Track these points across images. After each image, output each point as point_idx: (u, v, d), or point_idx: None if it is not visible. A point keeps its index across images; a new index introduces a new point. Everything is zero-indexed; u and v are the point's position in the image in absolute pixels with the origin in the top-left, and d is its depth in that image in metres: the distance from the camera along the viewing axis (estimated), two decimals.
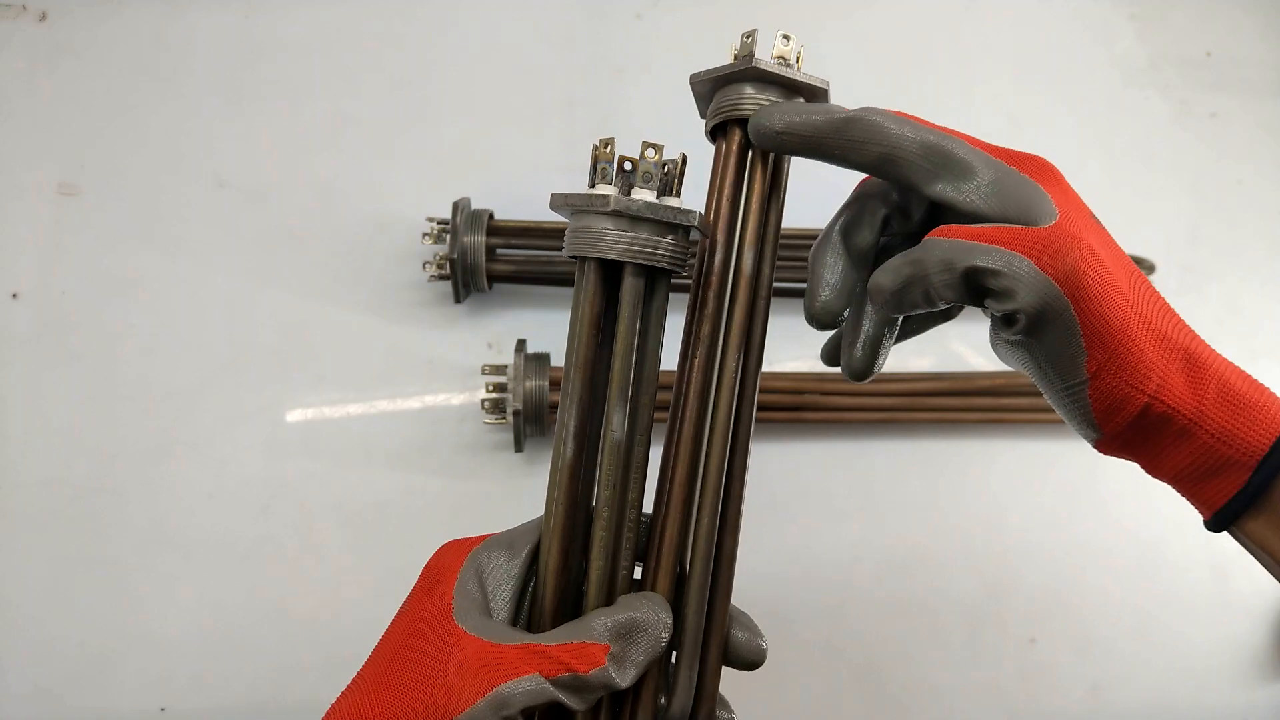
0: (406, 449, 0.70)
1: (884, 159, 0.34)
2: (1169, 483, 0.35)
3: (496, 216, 0.70)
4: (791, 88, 0.37)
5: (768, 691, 0.68)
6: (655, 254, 0.33)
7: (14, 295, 0.69)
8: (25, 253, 0.70)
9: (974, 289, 0.32)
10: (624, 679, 0.32)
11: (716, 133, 0.39)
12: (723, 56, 0.41)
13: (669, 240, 0.34)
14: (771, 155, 0.38)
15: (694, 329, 0.36)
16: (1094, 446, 0.35)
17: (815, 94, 0.38)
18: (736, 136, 0.37)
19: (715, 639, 0.36)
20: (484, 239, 0.67)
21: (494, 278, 0.70)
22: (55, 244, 0.70)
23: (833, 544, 0.72)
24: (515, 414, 0.65)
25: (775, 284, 0.78)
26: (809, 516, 0.73)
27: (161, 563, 0.67)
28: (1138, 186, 0.83)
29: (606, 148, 0.35)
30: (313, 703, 0.68)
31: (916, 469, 0.74)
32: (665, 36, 0.80)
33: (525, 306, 0.73)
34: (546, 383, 0.66)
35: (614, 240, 0.33)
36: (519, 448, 0.67)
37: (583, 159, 0.83)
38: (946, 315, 0.40)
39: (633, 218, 0.33)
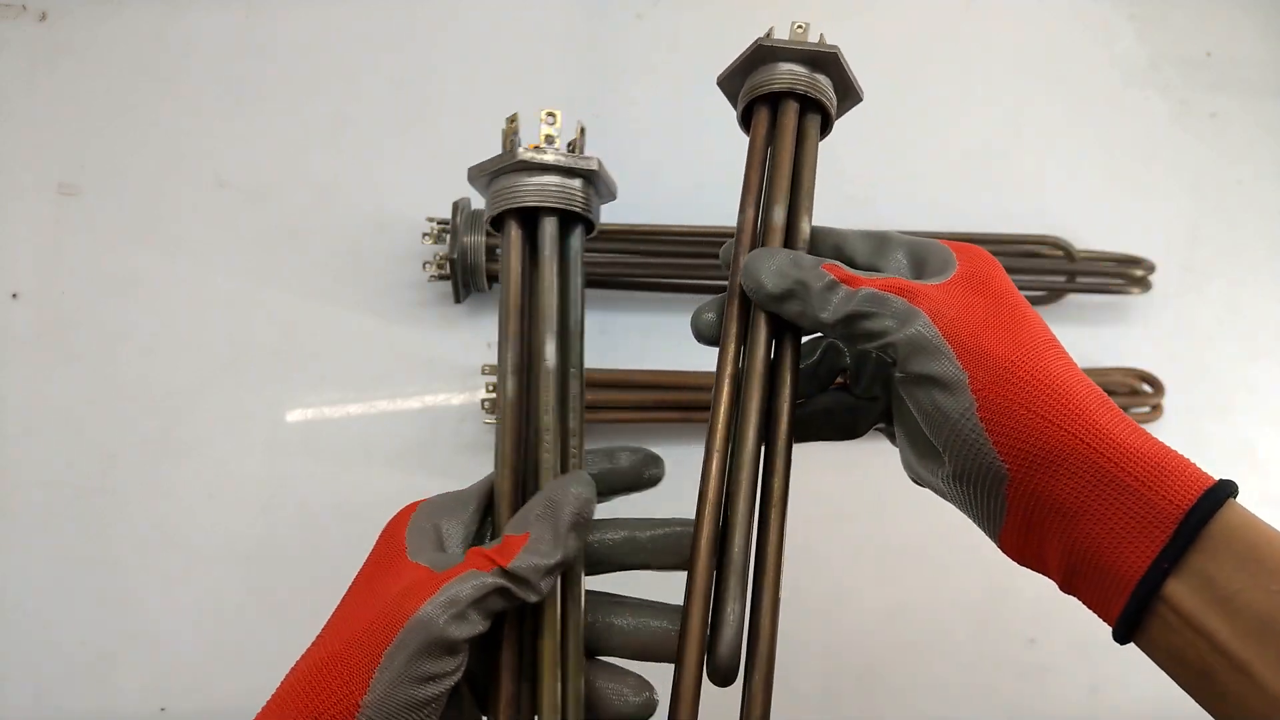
0: (406, 449, 0.70)
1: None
2: (1078, 563, 0.32)
3: None
4: (811, 60, 0.40)
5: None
6: (564, 196, 0.38)
7: (14, 295, 0.69)
8: (25, 253, 0.70)
9: (854, 334, 0.34)
10: (549, 557, 0.33)
11: (746, 116, 0.42)
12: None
13: (576, 184, 0.38)
14: (794, 129, 0.40)
15: (730, 285, 0.39)
16: (1004, 518, 0.33)
17: (826, 60, 0.40)
18: (763, 113, 0.40)
19: (769, 577, 0.36)
20: (484, 239, 0.67)
21: (494, 278, 0.70)
22: (55, 244, 0.70)
23: (833, 544, 0.72)
24: None
25: None
26: (809, 516, 0.73)
27: (161, 563, 0.67)
28: (1138, 186, 0.83)
29: (512, 123, 0.39)
30: None
31: None
32: (666, 37, 0.80)
33: None
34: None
35: (526, 190, 0.37)
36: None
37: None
38: (849, 432, 0.44)
39: (540, 166, 0.38)
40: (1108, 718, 0.73)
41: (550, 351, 0.37)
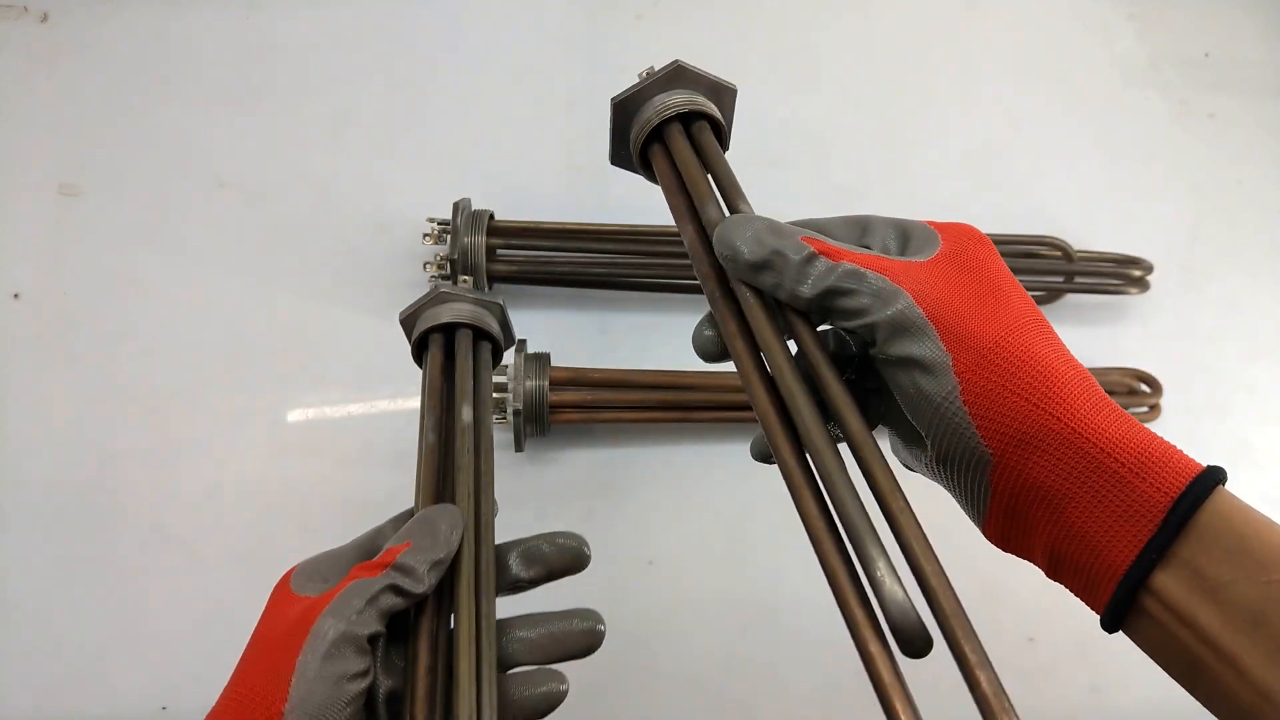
0: (407, 449, 0.70)
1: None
2: (1064, 551, 0.31)
3: (497, 217, 0.70)
4: (664, 84, 0.41)
5: (767, 691, 0.68)
6: (475, 317, 0.46)
7: (15, 295, 0.70)
8: (26, 253, 0.70)
9: (832, 309, 0.33)
10: (431, 552, 0.35)
11: (644, 159, 0.42)
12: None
13: (486, 313, 0.46)
14: (687, 141, 0.40)
15: (708, 295, 0.38)
16: (988, 504, 0.32)
17: (674, 77, 0.41)
18: (656, 150, 0.41)
19: (910, 534, 0.31)
20: (484, 239, 0.67)
21: (494, 278, 0.70)
22: (56, 244, 0.70)
23: None
24: (515, 413, 0.65)
25: None
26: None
27: (161, 563, 0.67)
28: (1137, 186, 0.83)
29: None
30: None
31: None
32: (666, 37, 0.80)
33: (525, 307, 0.73)
34: (546, 382, 0.66)
35: (447, 313, 0.45)
36: (519, 447, 0.67)
37: (583, 159, 0.84)
38: None
39: (458, 299, 0.46)
40: (1108, 717, 0.73)
41: (467, 414, 0.42)
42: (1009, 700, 0.28)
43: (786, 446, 0.33)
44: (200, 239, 0.72)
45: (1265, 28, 0.88)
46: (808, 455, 0.33)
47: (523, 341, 0.68)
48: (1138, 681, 0.73)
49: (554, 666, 0.38)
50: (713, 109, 0.41)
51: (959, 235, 0.35)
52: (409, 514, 0.40)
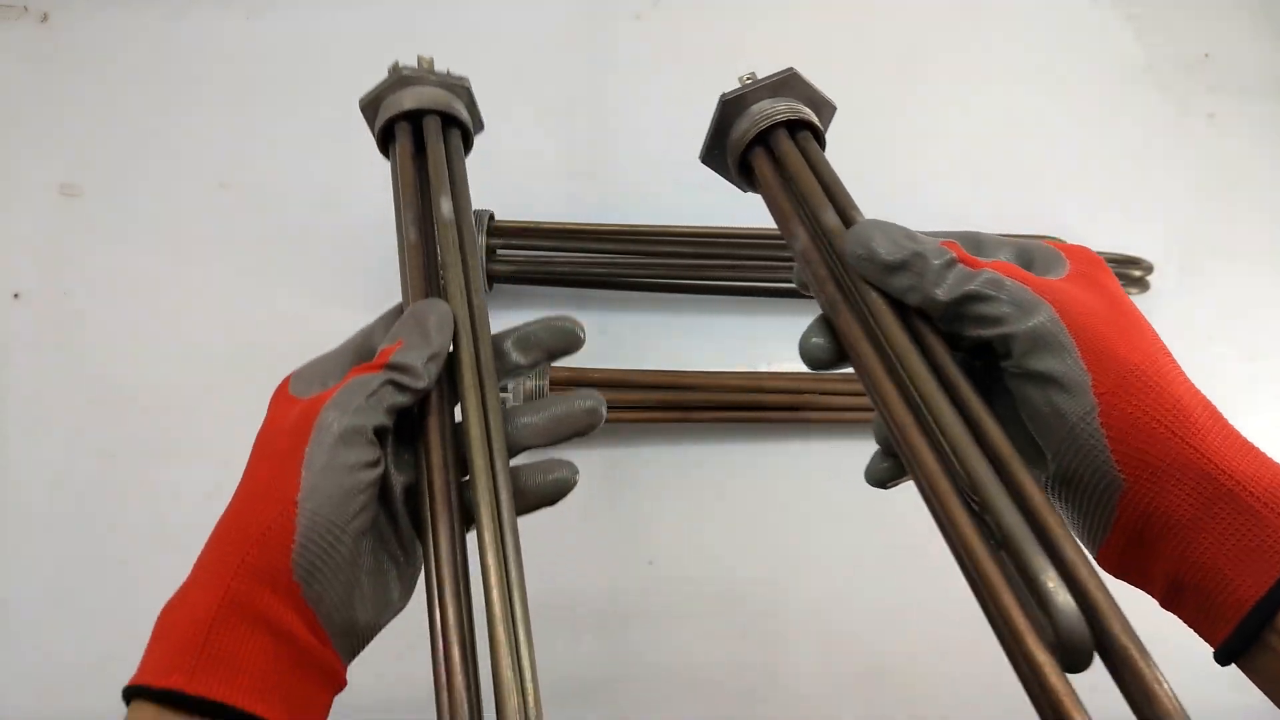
0: None
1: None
2: (1186, 582, 0.30)
3: (497, 217, 0.70)
4: (773, 91, 0.41)
5: (767, 691, 0.68)
6: (443, 102, 0.43)
7: (15, 295, 0.70)
8: (27, 253, 0.70)
9: (967, 315, 0.33)
10: (424, 348, 0.35)
11: (745, 169, 0.43)
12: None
13: (452, 97, 0.44)
14: (794, 149, 0.40)
15: (824, 302, 0.37)
16: (1110, 529, 0.31)
17: (787, 85, 0.42)
18: (761, 156, 0.41)
19: (1065, 543, 0.30)
20: (484, 239, 0.67)
21: (494, 278, 0.70)
22: (57, 245, 0.70)
23: (832, 544, 0.72)
24: None
25: (771, 284, 0.78)
26: (808, 516, 0.73)
27: (162, 563, 0.66)
28: (1136, 187, 0.83)
29: (396, 65, 0.44)
30: None
31: None
32: (665, 37, 0.80)
33: (525, 306, 0.73)
34: (546, 382, 0.66)
35: (411, 98, 0.43)
36: None
37: (583, 159, 0.84)
38: None
39: (421, 81, 0.44)
40: (1107, 717, 0.73)
41: (446, 207, 0.41)
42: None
43: (929, 455, 0.32)
44: (201, 240, 0.72)
45: (1265, 29, 0.88)
46: (954, 462, 0.32)
47: None
48: None
49: (563, 456, 0.38)
50: (816, 120, 0.41)
51: (1084, 257, 0.35)
52: (399, 311, 0.39)
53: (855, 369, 0.36)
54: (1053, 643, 0.29)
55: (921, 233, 0.35)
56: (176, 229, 0.72)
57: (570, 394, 0.38)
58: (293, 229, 0.73)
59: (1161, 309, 0.80)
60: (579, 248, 0.71)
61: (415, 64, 0.44)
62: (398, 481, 0.35)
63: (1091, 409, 0.30)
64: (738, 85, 0.41)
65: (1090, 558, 0.30)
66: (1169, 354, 0.32)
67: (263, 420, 0.37)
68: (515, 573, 0.33)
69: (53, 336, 0.69)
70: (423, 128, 0.43)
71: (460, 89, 0.44)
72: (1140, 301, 0.80)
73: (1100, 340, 0.31)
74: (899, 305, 0.34)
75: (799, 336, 0.38)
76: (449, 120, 0.44)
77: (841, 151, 0.80)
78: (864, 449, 0.79)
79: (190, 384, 0.69)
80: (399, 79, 0.43)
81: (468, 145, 0.45)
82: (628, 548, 0.69)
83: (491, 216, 0.69)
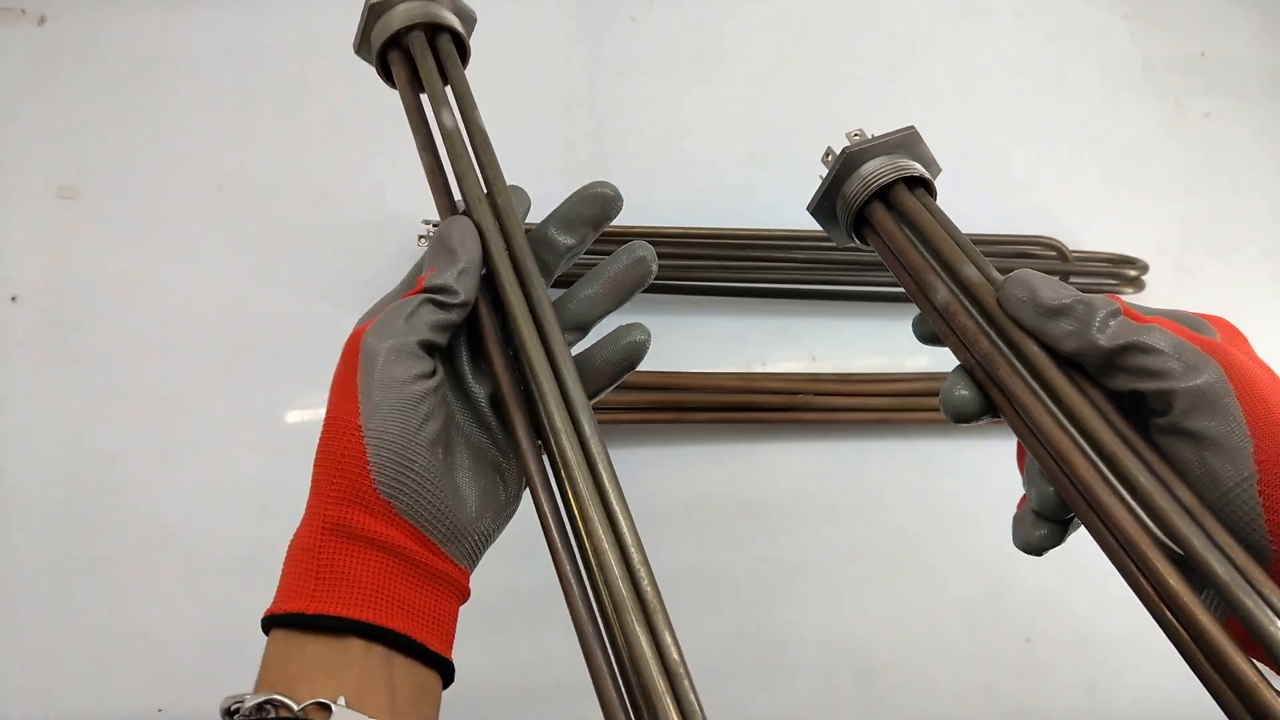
0: None
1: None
2: None
3: None
4: (890, 150, 0.42)
5: (767, 691, 0.68)
6: (421, 14, 0.42)
7: (13, 298, 0.70)
8: (25, 255, 0.70)
9: (1126, 367, 0.32)
10: (452, 266, 0.35)
11: (860, 226, 0.42)
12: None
13: (433, 5, 0.43)
14: (915, 204, 0.40)
15: (973, 355, 0.37)
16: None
17: (906, 140, 0.42)
18: (879, 211, 0.41)
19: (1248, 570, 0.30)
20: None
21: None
22: (55, 246, 0.71)
23: (829, 545, 0.72)
24: None
25: (772, 284, 0.78)
26: (805, 517, 0.73)
27: (161, 563, 0.67)
28: (1132, 187, 0.83)
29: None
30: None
31: (912, 469, 0.74)
32: (659, 38, 0.80)
33: None
34: None
35: (388, 23, 0.42)
36: None
37: (581, 160, 0.84)
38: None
39: (393, 3, 0.43)
40: (1106, 716, 0.73)
41: (447, 118, 0.41)
42: None
43: (1121, 509, 0.31)
44: (198, 240, 0.72)
45: (1261, 29, 0.88)
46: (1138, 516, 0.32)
47: None
48: (1135, 681, 0.74)
49: (636, 321, 0.38)
50: (922, 171, 0.41)
51: (1227, 325, 0.34)
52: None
53: (1012, 422, 0.35)
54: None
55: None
56: (174, 230, 0.72)
57: (618, 255, 0.39)
58: (291, 229, 0.73)
59: (1156, 308, 0.80)
60: None
61: None
62: (480, 391, 0.36)
63: (1250, 475, 0.29)
64: (848, 142, 0.41)
65: None
66: None
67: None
68: (597, 446, 0.34)
69: (52, 337, 0.69)
70: (410, 45, 0.42)
71: None
72: (1136, 301, 0.80)
73: (1264, 406, 0.30)
74: (1057, 356, 0.34)
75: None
76: (434, 29, 0.43)
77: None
78: (859, 449, 0.79)
79: (190, 384, 0.69)
80: (371, 9, 0.43)
81: (463, 51, 0.44)
82: None
83: None
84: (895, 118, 0.81)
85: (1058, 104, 0.84)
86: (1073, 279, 0.76)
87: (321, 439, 0.33)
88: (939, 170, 0.43)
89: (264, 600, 0.37)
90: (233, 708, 0.32)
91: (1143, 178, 0.83)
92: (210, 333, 0.70)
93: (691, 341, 0.74)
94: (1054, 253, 0.76)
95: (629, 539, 0.34)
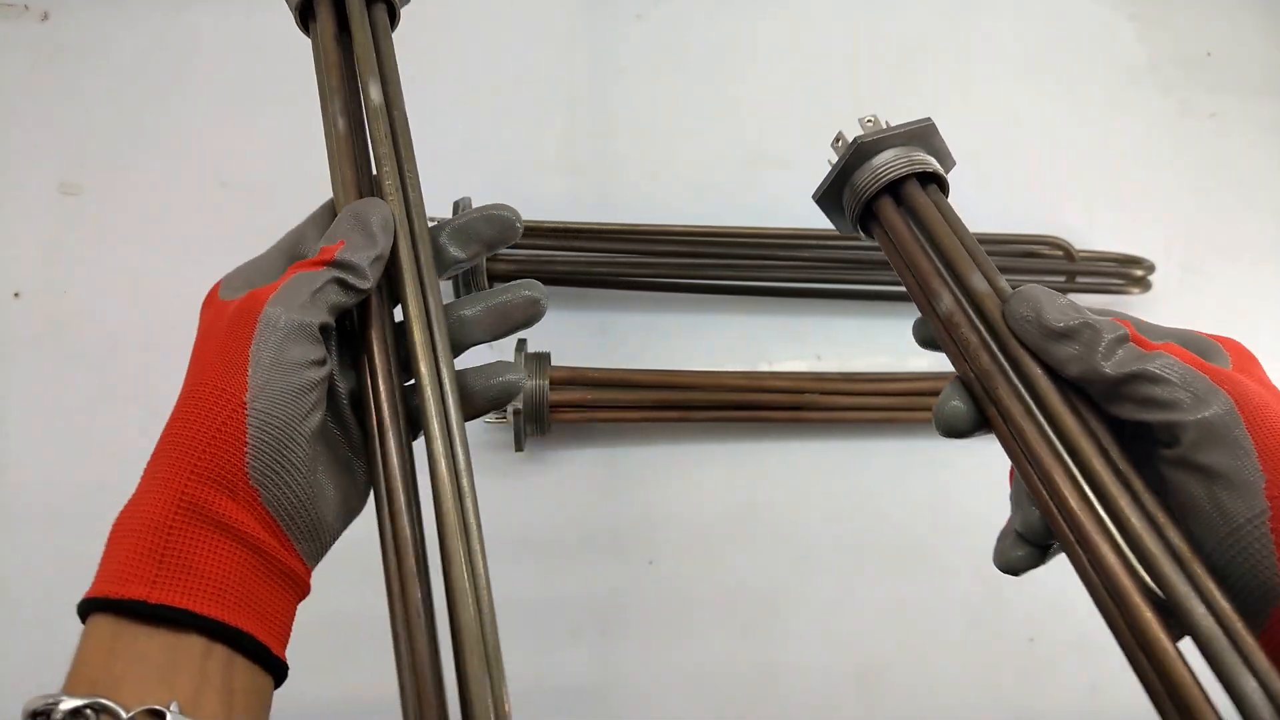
0: None
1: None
2: None
3: None
4: (906, 140, 0.40)
5: (767, 691, 0.68)
6: None
7: (16, 295, 0.70)
8: (27, 252, 0.70)
9: (1133, 396, 0.31)
10: (368, 249, 0.33)
11: (866, 220, 0.41)
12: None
13: None
14: (929, 202, 0.39)
15: (972, 367, 0.36)
16: (1256, 638, 0.29)
17: (921, 133, 0.40)
18: (888, 206, 0.39)
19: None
20: None
21: (495, 277, 0.70)
22: (57, 243, 0.70)
23: (832, 544, 0.72)
24: (515, 413, 0.65)
25: (774, 283, 0.77)
26: (808, 516, 0.73)
27: None
28: (1138, 186, 0.83)
29: None
30: (311, 702, 0.68)
31: (916, 468, 0.74)
32: (666, 36, 0.80)
33: None
34: (547, 382, 0.66)
35: None
36: (519, 447, 0.67)
37: (583, 158, 0.84)
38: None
39: None
40: (1108, 716, 0.73)
41: (376, 93, 0.38)
42: None
43: (1107, 547, 0.31)
44: (201, 238, 0.72)
45: (1267, 28, 0.88)
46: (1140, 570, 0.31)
47: (523, 341, 0.68)
48: (1136, 682, 0.73)
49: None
50: (937, 168, 0.40)
51: (1241, 351, 0.33)
52: (330, 210, 0.38)
53: (1005, 444, 0.34)
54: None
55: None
56: (176, 227, 0.72)
57: (510, 286, 0.37)
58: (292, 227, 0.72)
59: (1163, 308, 0.80)
60: (579, 247, 0.71)
61: None
62: (342, 386, 0.34)
63: (1262, 512, 0.28)
64: (860, 129, 0.40)
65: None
66: None
67: (198, 326, 0.35)
68: (467, 481, 0.33)
69: (53, 335, 0.69)
70: (345, 4, 0.40)
71: None
72: (1142, 301, 0.80)
73: (1278, 439, 0.29)
74: (1059, 380, 0.33)
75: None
76: None
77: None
78: (863, 449, 0.79)
79: None
80: None
81: (394, 19, 0.42)
82: (628, 548, 0.69)
83: None
84: (900, 116, 0.81)
85: (1064, 103, 0.84)
86: (1079, 278, 0.76)
87: (191, 407, 0.31)
88: (953, 164, 0.41)
89: None
90: (42, 709, 0.28)
91: (1149, 177, 0.83)
92: None
93: (696, 341, 0.74)
94: (1060, 252, 0.76)
95: (482, 579, 0.31)
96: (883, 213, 0.39)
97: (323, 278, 0.32)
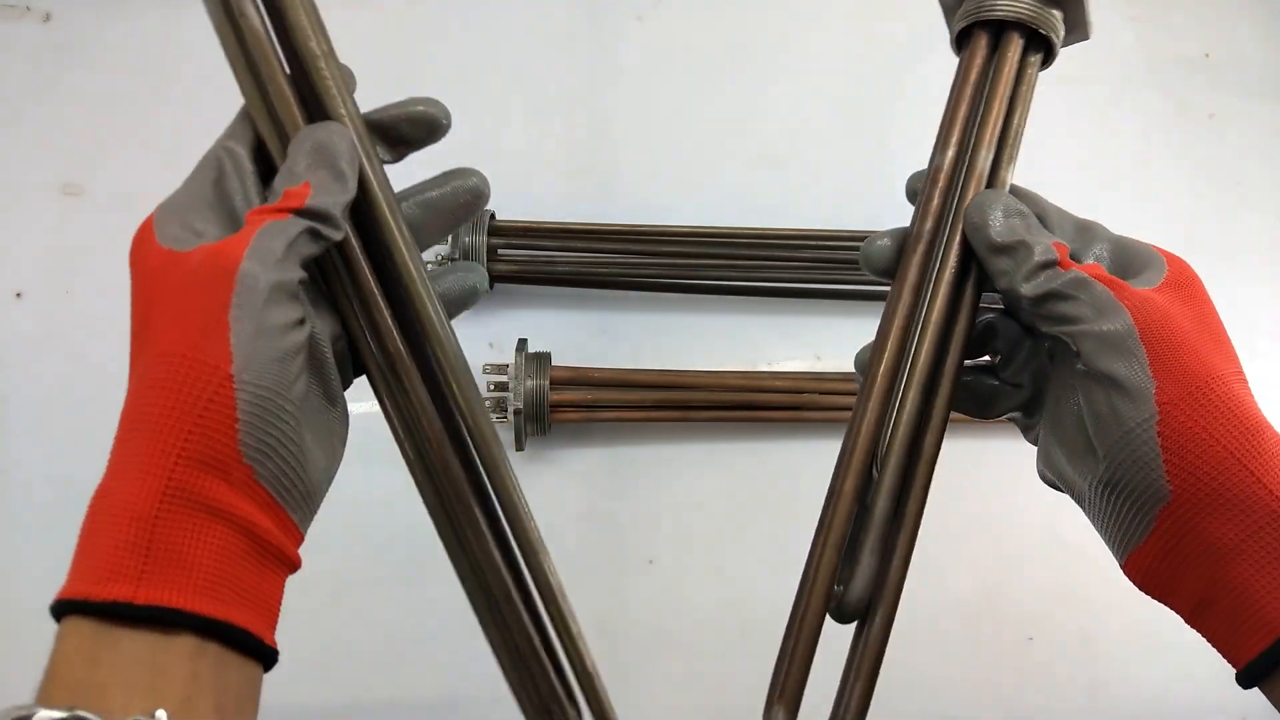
0: None
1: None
2: (1218, 601, 0.31)
3: (498, 217, 0.70)
4: None
5: (766, 691, 0.68)
6: None
7: (18, 295, 0.70)
8: (29, 252, 0.70)
9: (1046, 314, 0.33)
10: (340, 194, 0.31)
11: (962, 39, 0.40)
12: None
13: None
14: (1016, 64, 0.38)
15: (914, 227, 0.37)
16: (1144, 540, 0.31)
17: None
18: (982, 40, 0.38)
19: (904, 535, 0.37)
20: (485, 239, 0.68)
21: (495, 277, 0.70)
22: (59, 244, 0.71)
23: None
24: (516, 413, 0.65)
25: (777, 284, 0.78)
26: (808, 517, 0.73)
27: None
28: (1136, 187, 0.83)
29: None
30: (312, 702, 0.68)
31: None
32: (667, 37, 0.80)
33: (526, 306, 0.73)
34: (547, 382, 0.66)
35: None
36: (520, 447, 0.67)
37: (584, 158, 0.84)
38: (984, 410, 0.41)
39: None
40: (1107, 716, 0.73)
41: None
42: None
43: (881, 392, 0.36)
44: None
45: (1266, 29, 0.88)
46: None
47: (523, 341, 0.68)
48: (1137, 681, 0.74)
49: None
50: (1056, 37, 0.37)
51: (1182, 267, 0.34)
52: (248, 122, 0.36)
53: (888, 298, 0.36)
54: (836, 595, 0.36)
55: (1053, 208, 0.37)
56: None
57: (436, 177, 0.38)
58: None
59: None
60: (579, 248, 0.71)
61: None
62: (323, 332, 0.32)
63: (1150, 417, 0.30)
64: None
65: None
66: (1244, 378, 0.32)
67: (133, 277, 0.30)
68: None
69: (55, 336, 0.69)
70: None
71: None
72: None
73: (1173, 351, 0.31)
74: (971, 276, 0.35)
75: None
76: None
77: (841, 151, 0.80)
78: None
79: None
80: None
81: None
82: (628, 548, 0.69)
83: (492, 216, 0.69)
84: (900, 118, 0.81)
85: (1061, 103, 0.84)
86: None
87: (171, 380, 0.27)
88: (1085, 37, 0.38)
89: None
90: None
91: (1147, 178, 0.83)
92: None
93: (696, 341, 0.74)
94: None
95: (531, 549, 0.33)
96: (971, 45, 0.38)
97: (295, 228, 0.29)
